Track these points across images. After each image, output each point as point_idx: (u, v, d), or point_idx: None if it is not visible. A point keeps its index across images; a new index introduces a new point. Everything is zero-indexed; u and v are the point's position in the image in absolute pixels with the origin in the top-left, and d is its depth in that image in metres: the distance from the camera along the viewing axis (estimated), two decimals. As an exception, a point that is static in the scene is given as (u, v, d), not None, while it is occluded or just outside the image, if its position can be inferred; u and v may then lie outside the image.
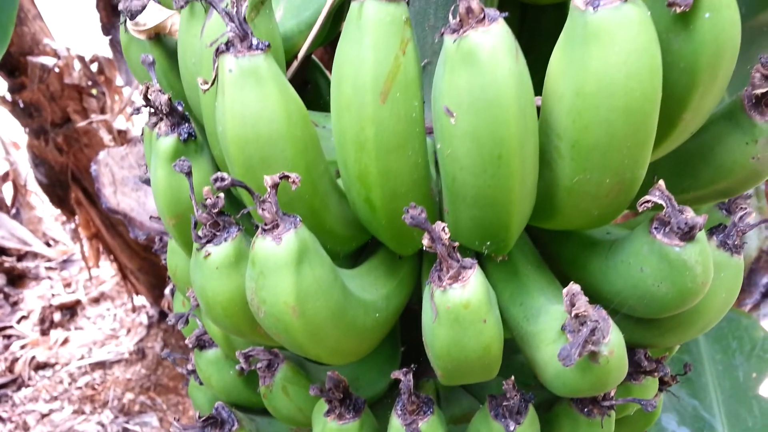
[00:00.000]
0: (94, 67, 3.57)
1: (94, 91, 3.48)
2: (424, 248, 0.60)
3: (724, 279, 0.76)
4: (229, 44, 0.60)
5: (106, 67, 3.59)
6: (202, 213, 0.65)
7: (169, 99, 0.70)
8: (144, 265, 3.65)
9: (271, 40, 0.69)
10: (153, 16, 0.77)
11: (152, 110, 0.72)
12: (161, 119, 0.73)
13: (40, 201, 5.03)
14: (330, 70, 1.43)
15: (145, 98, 0.76)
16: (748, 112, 0.71)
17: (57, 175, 3.56)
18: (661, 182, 0.64)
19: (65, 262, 4.79)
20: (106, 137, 3.52)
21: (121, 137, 3.65)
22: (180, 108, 0.72)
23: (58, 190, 3.62)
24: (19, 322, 4.34)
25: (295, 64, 0.93)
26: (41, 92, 3.29)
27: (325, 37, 0.99)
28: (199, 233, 0.67)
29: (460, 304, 0.59)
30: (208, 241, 0.67)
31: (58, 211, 4.25)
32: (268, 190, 0.60)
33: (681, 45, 0.59)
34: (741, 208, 0.80)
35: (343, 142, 0.63)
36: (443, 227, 0.59)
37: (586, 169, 0.61)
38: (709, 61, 0.60)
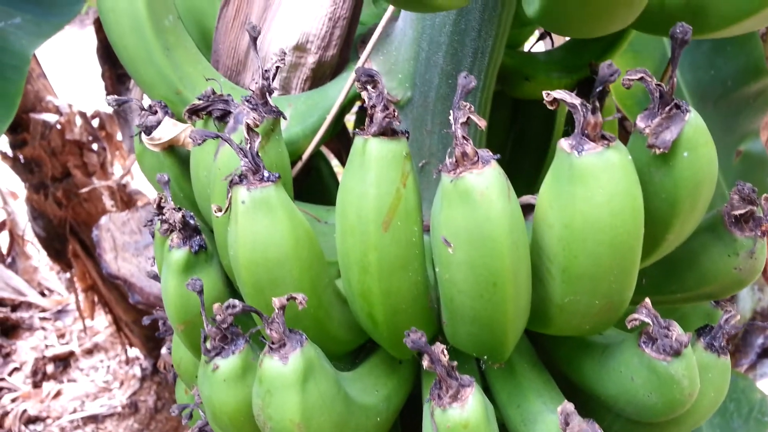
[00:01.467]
0: (95, 123, 3.64)
1: (94, 146, 3.54)
2: (424, 368, 0.63)
3: (711, 379, 0.79)
4: (242, 177, 0.65)
5: (107, 123, 3.65)
6: (211, 327, 0.69)
7: (183, 216, 0.74)
8: (139, 317, 3.65)
9: (280, 161, 0.74)
10: (167, 130, 0.82)
11: (165, 221, 0.76)
12: (173, 230, 0.76)
13: (36, 250, 5.03)
14: (332, 152, 1.48)
15: (158, 207, 0.80)
16: (728, 228, 0.75)
17: (55, 228, 3.59)
18: (647, 301, 0.68)
19: (60, 313, 4.77)
20: (106, 192, 3.56)
21: (120, 191, 3.70)
22: (192, 221, 0.76)
23: (56, 244, 3.64)
24: (11, 374, 4.30)
25: (300, 164, 0.97)
26: (42, 148, 3.34)
27: (329, 134, 1.04)
28: (208, 346, 0.70)
29: (459, 423, 0.62)
30: (217, 354, 0.70)
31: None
32: (276, 311, 0.64)
33: (662, 178, 0.64)
34: (726, 310, 0.84)
35: (347, 264, 0.67)
36: (442, 349, 0.62)
37: (576, 292, 0.65)
38: (688, 194, 0.64)
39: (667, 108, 0.61)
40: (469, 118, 0.60)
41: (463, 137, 0.60)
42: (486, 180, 0.59)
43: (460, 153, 0.59)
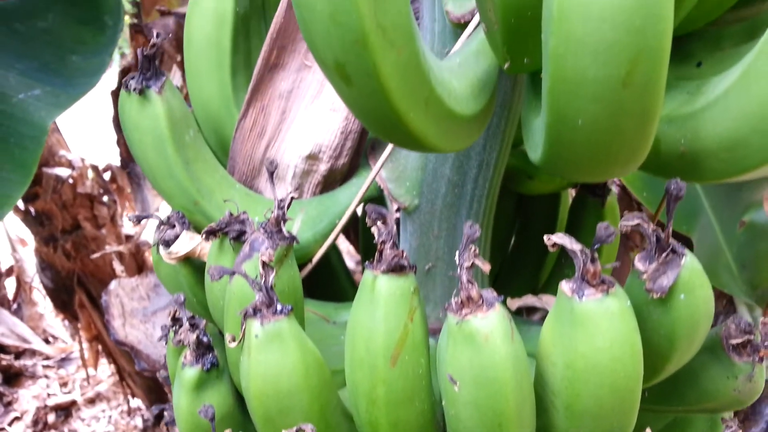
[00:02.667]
0: (107, 176, 3.71)
1: (105, 199, 3.60)
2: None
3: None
4: (256, 310, 0.68)
5: (118, 176, 3.72)
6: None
7: (197, 336, 0.77)
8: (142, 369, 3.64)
9: (292, 283, 0.77)
10: (184, 244, 0.85)
11: (180, 340, 0.79)
12: (187, 346, 0.79)
13: (42, 296, 5.05)
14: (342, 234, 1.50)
15: (173, 320, 0.82)
16: (727, 352, 0.77)
17: (63, 280, 3.62)
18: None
19: (63, 360, 4.76)
20: (114, 242, 3.60)
21: (128, 241, 3.74)
22: (205, 339, 0.79)
23: (63, 295, 3.67)
24: (11, 423, 4.27)
25: (309, 266, 1.00)
26: (54, 201, 3.40)
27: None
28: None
29: None
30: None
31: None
32: (286, 443, 0.66)
33: (660, 317, 0.66)
34: (728, 426, 0.85)
35: (356, 394, 0.69)
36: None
37: (579, 426, 0.66)
38: (686, 331, 0.67)
39: (664, 254, 0.64)
40: (473, 262, 0.63)
41: (468, 281, 0.63)
42: (490, 324, 0.62)
43: (465, 296, 0.62)
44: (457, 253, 0.64)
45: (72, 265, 3.56)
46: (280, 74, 0.95)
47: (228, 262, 0.81)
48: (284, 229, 0.75)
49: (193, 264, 0.90)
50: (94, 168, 3.60)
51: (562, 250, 1.29)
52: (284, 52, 0.94)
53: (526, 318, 1.07)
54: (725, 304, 2.25)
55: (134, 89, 0.85)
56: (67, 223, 3.52)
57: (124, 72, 2.29)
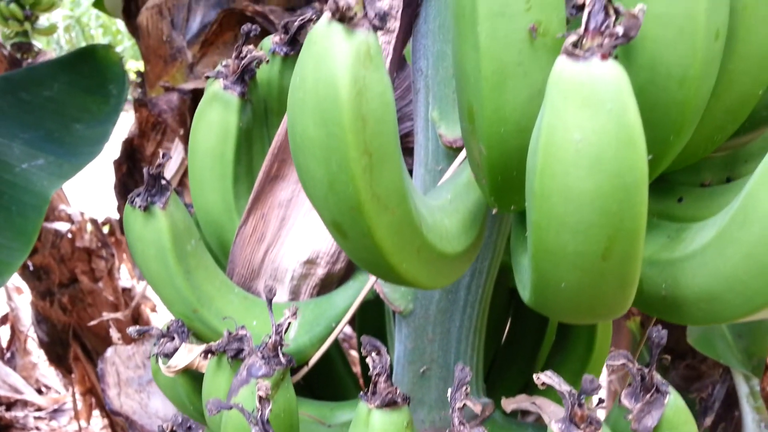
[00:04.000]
0: (105, 229, 3.73)
1: (103, 252, 3.62)
2: None
3: None
4: (252, 440, 0.70)
5: (117, 229, 3.74)
6: None
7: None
8: (136, 424, 3.60)
9: (287, 405, 0.79)
10: (183, 358, 0.87)
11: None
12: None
13: (36, 345, 5.01)
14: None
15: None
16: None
17: (59, 333, 3.61)
18: None
19: (56, 412, 4.70)
20: (111, 297, 3.60)
21: (125, 295, 3.74)
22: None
23: (58, 348, 3.65)
24: (1, 478, 4.20)
25: (306, 369, 1.02)
26: (52, 256, 3.42)
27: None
28: None
29: None
30: None
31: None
32: None
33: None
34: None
35: None
36: None
37: None
38: None
39: (649, 394, 0.66)
40: (465, 403, 0.66)
41: (460, 423, 0.65)
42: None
43: (456, 435, 0.65)
44: (449, 390, 0.67)
45: (68, 318, 3.55)
46: (281, 185, 0.99)
47: (225, 379, 0.83)
48: (281, 354, 0.77)
49: (191, 374, 0.92)
50: (93, 222, 3.63)
51: (556, 344, 1.30)
52: (284, 164, 0.98)
53: (520, 420, 1.09)
54: (721, 374, 2.25)
55: (139, 206, 0.89)
56: (64, 276, 3.53)
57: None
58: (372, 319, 1.17)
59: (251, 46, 0.99)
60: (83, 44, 8.58)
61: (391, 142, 0.57)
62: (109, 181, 3.38)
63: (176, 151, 2.03)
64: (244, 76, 0.98)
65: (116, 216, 3.76)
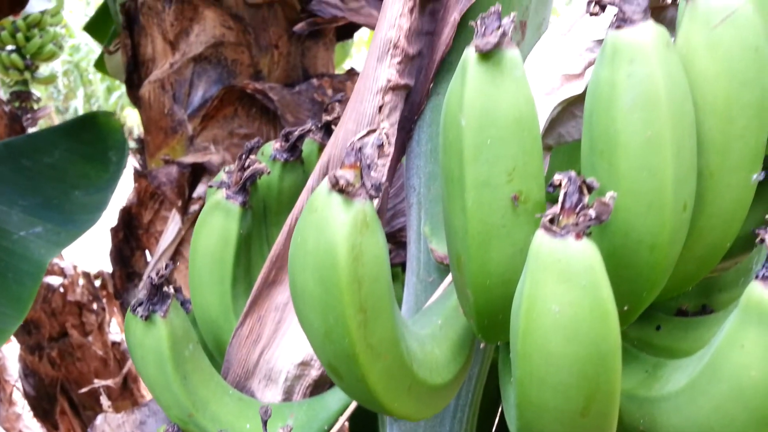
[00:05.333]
0: (97, 282, 3.74)
1: (94, 306, 3.62)
2: None
3: None
4: None
5: (108, 283, 3.75)
6: None
7: None
8: (120, 482, 3.54)
9: None
10: (178, 467, 0.89)
11: None
12: None
13: (20, 396, 4.94)
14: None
15: None
16: None
17: (46, 388, 3.57)
18: None
19: (38, 466, 4.60)
20: (100, 351, 3.59)
21: (114, 349, 3.72)
22: None
23: (44, 403, 3.61)
24: None
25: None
26: (43, 310, 3.42)
27: None
28: None
29: None
30: None
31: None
32: None
33: None
34: None
35: None
36: None
37: None
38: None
39: None
40: None
41: None
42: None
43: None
44: None
45: (56, 373, 3.53)
46: (278, 289, 1.03)
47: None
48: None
49: (187, 479, 0.94)
50: (86, 275, 3.64)
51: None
52: (282, 271, 1.02)
53: None
54: None
55: (141, 316, 0.92)
56: (54, 330, 3.52)
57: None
58: (364, 419, 1.19)
59: (253, 156, 1.04)
60: (81, 89, 8.71)
61: (384, 298, 0.61)
62: (102, 232, 3.41)
63: (173, 221, 2.07)
64: (246, 186, 1.02)
65: (109, 269, 3.77)
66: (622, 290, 0.63)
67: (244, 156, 1.03)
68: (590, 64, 0.83)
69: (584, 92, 0.81)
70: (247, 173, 1.02)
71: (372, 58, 0.88)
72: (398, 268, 1.32)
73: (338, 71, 2.41)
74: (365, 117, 0.89)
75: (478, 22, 0.61)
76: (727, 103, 0.61)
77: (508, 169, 0.60)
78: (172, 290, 0.96)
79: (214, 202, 1.03)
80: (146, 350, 0.94)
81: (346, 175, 0.57)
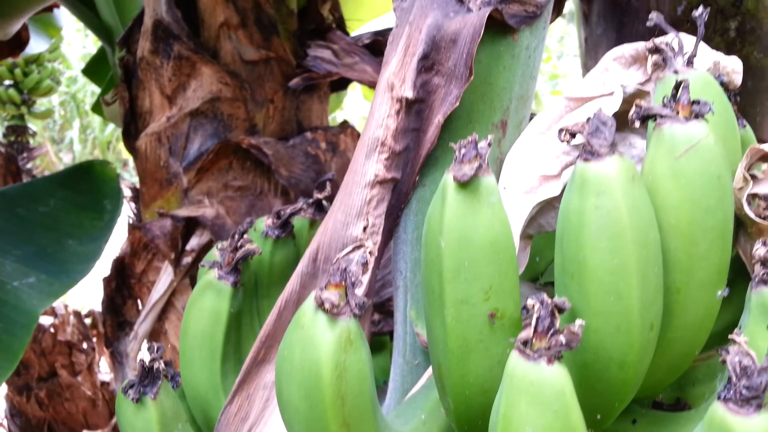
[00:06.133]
0: (88, 320, 3.73)
1: (84, 345, 3.61)
2: None
3: None
4: None
5: (99, 322, 3.74)
6: None
7: None
8: None
9: None
10: None
11: None
12: None
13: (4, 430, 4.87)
14: None
15: None
16: None
17: (33, 428, 3.54)
18: None
19: (21, 506, 4.52)
20: (89, 392, 3.56)
21: (103, 389, 3.70)
22: None
23: (30, 444, 3.57)
24: None
25: None
26: (33, 350, 3.41)
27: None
28: None
29: None
30: None
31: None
32: None
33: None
34: None
35: None
36: None
37: None
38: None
39: None
40: None
41: None
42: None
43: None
44: None
45: (44, 413, 3.50)
46: (266, 368, 1.05)
47: None
48: None
49: None
50: (77, 314, 3.63)
51: None
52: (271, 349, 1.04)
53: None
54: None
55: (132, 398, 0.94)
56: (43, 370, 3.50)
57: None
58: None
59: (246, 237, 1.08)
60: (77, 120, 8.76)
61: (367, 410, 0.64)
62: (94, 271, 3.42)
63: (165, 272, 2.09)
64: (238, 266, 1.06)
65: (99, 306, 3.77)
66: (594, 402, 0.66)
67: (237, 236, 1.06)
68: (567, 166, 0.87)
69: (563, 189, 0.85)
70: (239, 254, 1.05)
71: (360, 153, 0.92)
72: (386, 336, 1.35)
73: (331, 117, 2.45)
74: (354, 209, 0.93)
75: (457, 149, 0.65)
76: (691, 227, 0.65)
77: (485, 288, 0.63)
78: (162, 366, 0.99)
79: (206, 281, 1.06)
80: (137, 431, 0.96)
81: (331, 297, 0.61)
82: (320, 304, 0.61)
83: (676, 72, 0.74)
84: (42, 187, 2.37)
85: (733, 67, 0.94)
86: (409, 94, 0.87)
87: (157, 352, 0.95)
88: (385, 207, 0.94)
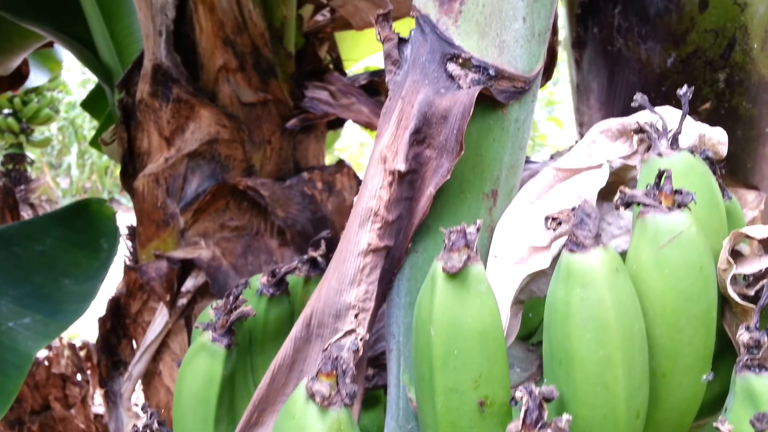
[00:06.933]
0: (83, 352, 3.72)
1: (78, 377, 3.59)
2: None
3: None
4: None
5: (94, 354, 3.72)
6: None
7: None
8: None
9: None
10: None
11: None
12: None
13: (-2, 465, 4.81)
14: None
15: None
16: None
17: (24, 463, 3.51)
18: None
19: None
20: (82, 425, 3.54)
21: (97, 422, 3.67)
22: None
23: (21, 480, 3.53)
24: None
25: None
26: (26, 383, 3.39)
27: None
28: None
29: None
30: None
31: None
32: None
33: None
34: None
35: None
36: None
37: None
38: None
39: None
40: None
41: None
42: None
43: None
44: None
45: (35, 448, 3.47)
46: (259, 430, 1.05)
47: None
48: None
49: None
50: (71, 347, 3.62)
51: None
52: (264, 413, 1.05)
53: None
54: None
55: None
56: (36, 403, 3.48)
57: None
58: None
59: (241, 298, 1.09)
60: (75, 146, 8.80)
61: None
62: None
63: (161, 313, 2.09)
64: (232, 328, 1.06)
65: (93, 340, 3.76)
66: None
67: (231, 298, 1.07)
68: (556, 237, 0.89)
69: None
70: (233, 316, 1.06)
71: (354, 222, 0.94)
72: (381, 390, 1.35)
73: (328, 152, 2.47)
74: (347, 276, 0.94)
75: (446, 236, 0.66)
76: (675, 315, 0.66)
77: (474, 377, 0.65)
78: (156, 426, 0.99)
79: (199, 344, 1.07)
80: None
81: (322, 388, 0.62)
82: (311, 395, 0.62)
83: (660, 155, 0.76)
84: (39, 225, 2.38)
85: (719, 138, 0.96)
86: (402, 167, 0.89)
87: (150, 418, 0.96)
88: (378, 273, 0.95)
